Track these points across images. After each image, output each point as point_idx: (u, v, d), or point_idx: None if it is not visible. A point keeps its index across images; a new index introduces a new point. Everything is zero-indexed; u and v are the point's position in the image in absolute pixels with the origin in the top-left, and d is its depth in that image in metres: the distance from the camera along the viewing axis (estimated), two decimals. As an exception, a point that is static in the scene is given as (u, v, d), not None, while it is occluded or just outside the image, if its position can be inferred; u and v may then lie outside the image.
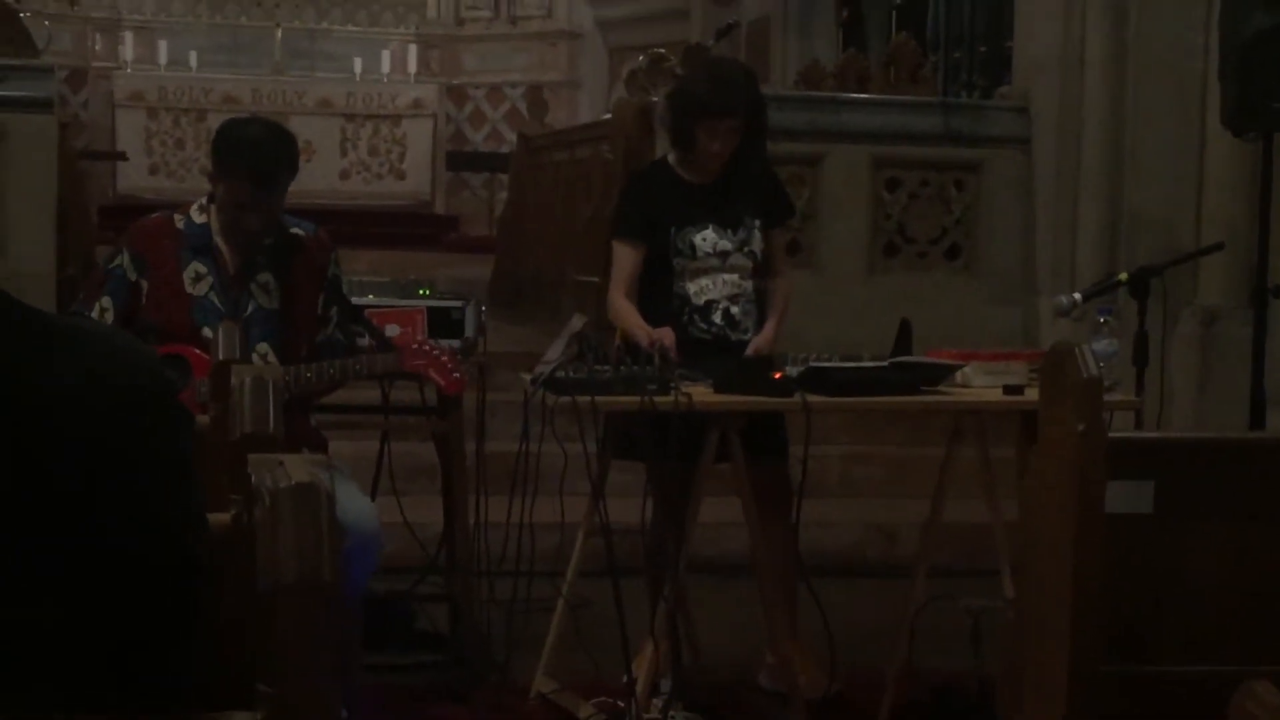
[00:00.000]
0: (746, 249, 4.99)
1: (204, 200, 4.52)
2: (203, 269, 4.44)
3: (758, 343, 4.93)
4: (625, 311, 4.87)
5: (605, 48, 16.77)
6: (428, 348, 4.48)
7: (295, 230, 4.54)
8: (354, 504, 4.23)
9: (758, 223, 5.01)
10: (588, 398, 4.31)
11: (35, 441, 1.57)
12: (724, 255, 4.95)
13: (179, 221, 4.50)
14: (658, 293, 4.94)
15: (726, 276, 4.96)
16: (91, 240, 9.37)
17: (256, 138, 4.40)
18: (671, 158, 5.05)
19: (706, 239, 4.94)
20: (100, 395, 1.61)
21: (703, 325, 4.93)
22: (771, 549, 4.81)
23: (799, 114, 8.34)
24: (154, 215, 4.60)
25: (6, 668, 1.55)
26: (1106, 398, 3.21)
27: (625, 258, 4.95)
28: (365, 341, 4.61)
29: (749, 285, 5.00)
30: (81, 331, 1.68)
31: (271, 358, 4.36)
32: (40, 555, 1.56)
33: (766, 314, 5.05)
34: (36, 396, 1.58)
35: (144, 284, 4.42)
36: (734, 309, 4.97)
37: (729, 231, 4.96)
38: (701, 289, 4.95)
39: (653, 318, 4.83)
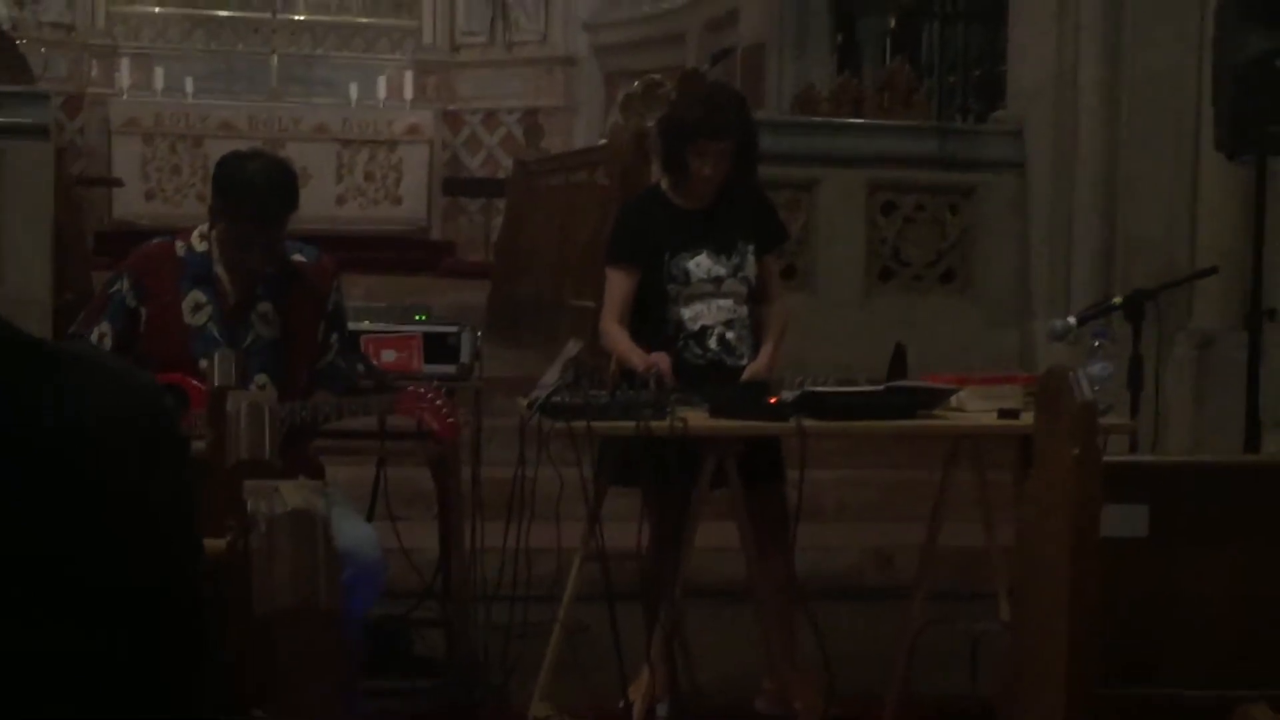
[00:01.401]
0: (740, 274, 4.99)
1: (205, 227, 4.49)
2: (202, 299, 4.42)
3: (754, 368, 4.92)
4: (617, 337, 4.88)
5: (601, 73, 16.79)
6: (423, 390, 4.43)
7: (298, 257, 4.52)
8: (355, 532, 4.21)
9: (751, 248, 5.01)
10: (584, 423, 4.32)
11: (34, 474, 1.57)
12: (718, 281, 4.95)
13: (180, 249, 4.48)
14: (652, 319, 4.94)
15: (721, 302, 4.96)
16: (88, 266, 9.38)
17: (257, 179, 4.35)
18: (664, 184, 5.06)
19: (700, 265, 4.94)
20: (100, 426, 1.61)
21: (698, 351, 4.93)
22: (768, 574, 4.81)
23: (794, 138, 8.37)
24: (155, 241, 4.58)
25: (9, 702, 1.54)
26: (1101, 421, 3.22)
27: (618, 284, 4.95)
28: (361, 369, 4.61)
29: (743, 310, 5.00)
30: (81, 359, 1.68)
31: (270, 389, 4.35)
32: (40, 589, 1.56)
33: (762, 339, 5.05)
34: (35, 428, 1.58)
35: (143, 311, 4.41)
36: (729, 334, 4.97)
37: (723, 257, 4.96)
38: (696, 314, 4.94)
39: (647, 344, 4.83)
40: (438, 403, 4.40)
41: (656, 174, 5.86)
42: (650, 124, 8.24)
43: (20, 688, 1.54)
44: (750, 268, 5.00)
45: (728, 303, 4.97)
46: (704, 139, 4.84)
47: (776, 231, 5.21)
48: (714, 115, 4.87)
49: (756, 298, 5.04)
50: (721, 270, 4.96)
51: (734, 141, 4.87)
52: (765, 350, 5.01)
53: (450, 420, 4.42)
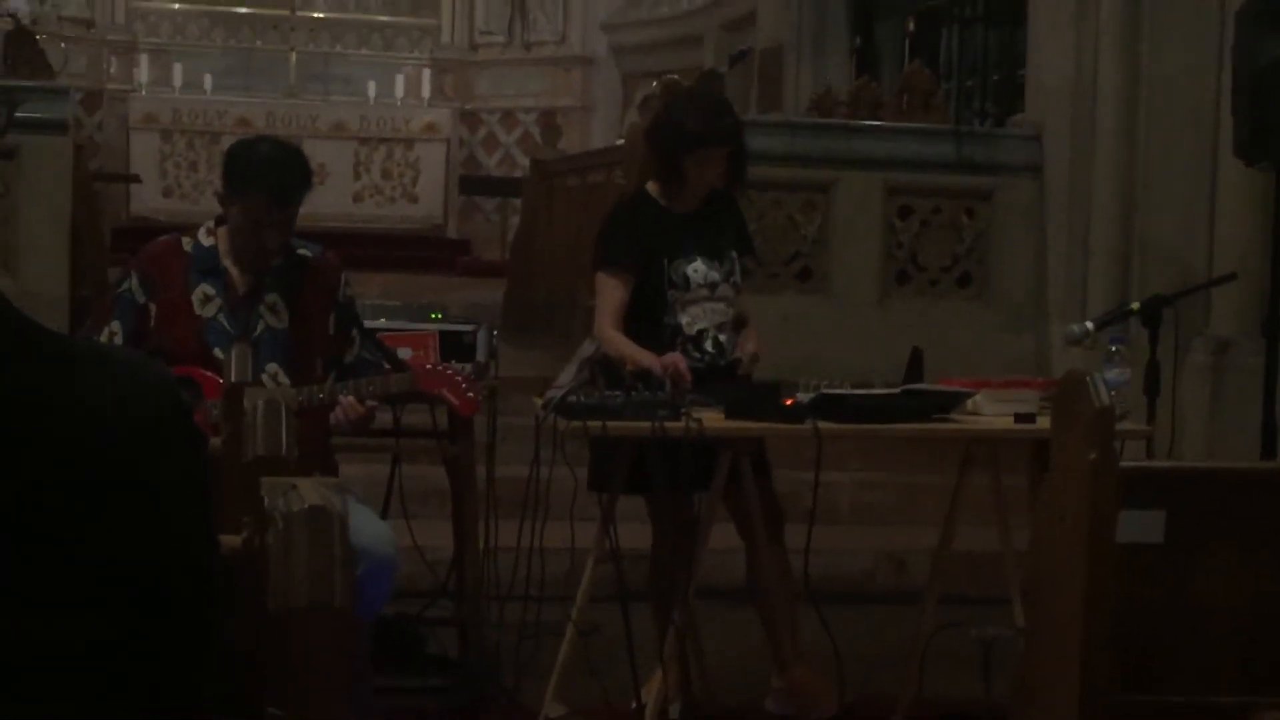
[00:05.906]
0: (732, 279, 5.01)
1: (211, 223, 4.52)
2: (211, 290, 4.43)
3: (749, 352, 4.93)
4: (621, 342, 4.83)
5: (619, 73, 16.80)
6: (442, 368, 4.50)
7: (303, 251, 4.54)
8: (370, 528, 4.22)
9: (734, 253, 5.03)
10: (599, 423, 4.32)
11: (53, 465, 1.57)
12: (713, 286, 4.96)
13: (186, 244, 4.50)
14: (649, 322, 4.92)
15: (714, 305, 4.97)
16: (105, 262, 9.40)
17: (271, 155, 4.41)
18: (652, 189, 5.03)
19: (698, 270, 4.94)
20: (119, 419, 1.61)
21: (695, 354, 4.92)
22: (769, 570, 4.82)
23: (811, 141, 8.36)
24: (161, 238, 4.60)
25: (21, 685, 1.55)
26: (1118, 427, 3.21)
27: (615, 290, 4.91)
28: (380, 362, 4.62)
29: (730, 313, 5.02)
30: (98, 354, 1.68)
31: (282, 377, 4.36)
32: (56, 576, 1.56)
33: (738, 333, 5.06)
34: (55, 420, 1.58)
35: (152, 307, 4.42)
36: (721, 336, 4.98)
37: (715, 262, 4.98)
38: (694, 318, 4.95)
39: (645, 347, 4.81)
40: (457, 379, 4.45)
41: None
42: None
43: (26, 675, 1.55)
44: (739, 272, 5.05)
45: (720, 306, 4.99)
46: (706, 147, 4.84)
47: (749, 238, 5.27)
48: (718, 123, 4.87)
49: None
50: (716, 275, 4.97)
51: (730, 148, 4.89)
52: (749, 334, 5.02)
53: (470, 395, 4.47)
